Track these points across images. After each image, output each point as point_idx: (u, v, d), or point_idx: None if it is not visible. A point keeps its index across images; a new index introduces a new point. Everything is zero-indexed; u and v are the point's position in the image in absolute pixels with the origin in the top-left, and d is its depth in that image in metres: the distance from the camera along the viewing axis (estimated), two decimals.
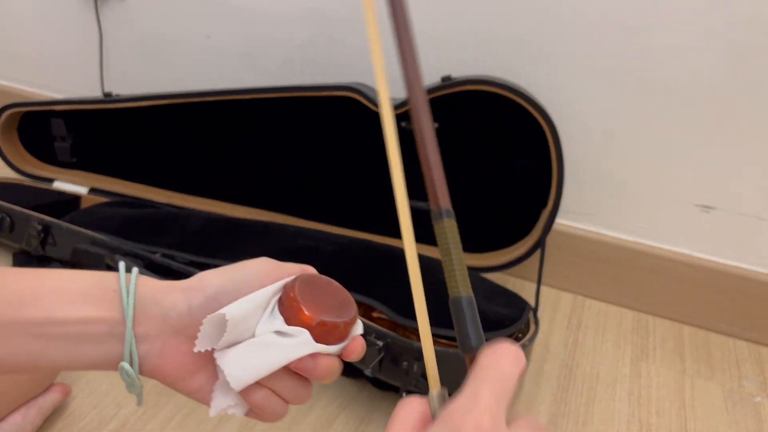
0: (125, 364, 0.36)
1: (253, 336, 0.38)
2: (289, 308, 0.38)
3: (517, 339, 0.73)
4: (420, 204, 1.02)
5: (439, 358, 0.34)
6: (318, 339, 0.38)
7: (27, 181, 1.01)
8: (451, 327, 0.32)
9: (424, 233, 1.01)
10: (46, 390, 0.67)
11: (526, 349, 0.70)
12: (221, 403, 0.39)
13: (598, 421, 0.75)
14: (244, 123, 0.93)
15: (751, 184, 0.84)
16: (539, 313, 0.91)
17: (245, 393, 0.38)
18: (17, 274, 0.36)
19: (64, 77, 1.20)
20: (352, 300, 0.41)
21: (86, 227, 0.83)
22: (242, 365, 0.37)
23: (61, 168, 1.02)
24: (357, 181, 0.92)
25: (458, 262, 0.33)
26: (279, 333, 0.37)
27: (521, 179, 0.84)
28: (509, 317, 0.73)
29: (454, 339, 0.72)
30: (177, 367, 0.38)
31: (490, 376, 0.29)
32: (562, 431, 0.74)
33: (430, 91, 0.80)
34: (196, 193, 0.99)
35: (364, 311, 0.74)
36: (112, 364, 0.37)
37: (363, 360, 0.69)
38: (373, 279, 0.78)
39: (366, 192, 0.93)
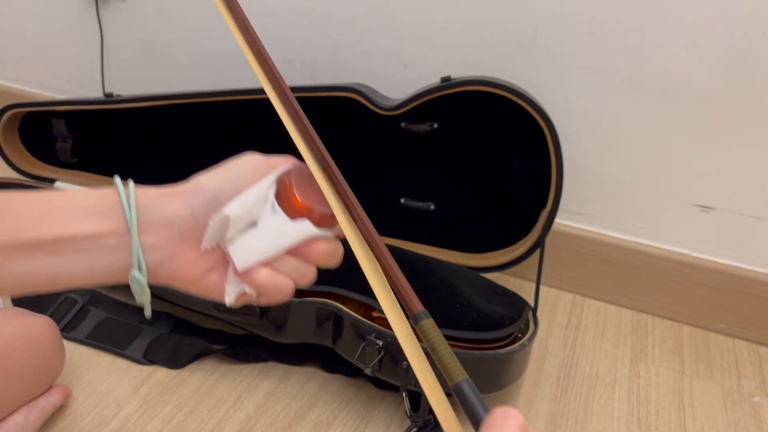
0: (135, 272, 0.38)
1: (256, 226, 0.40)
2: (289, 203, 0.41)
3: (517, 339, 0.74)
4: (420, 204, 1.02)
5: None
6: (317, 225, 0.41)
7: (28, 182, 1.01)
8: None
9: (424, 233, 1.01)
10: (47, 392, 0.67)
11: (526, 348, 0.71)
12: (234, 288, 0.41)
13: (597, 421, 0.76)
14: (244, 123, 0.93)
15: (750, 184, 0.84)
16: (539, 313, 0.91)
17: (250, 274, 0.40)
18: (23, 196, 0.37)
19: (65, 78, 1.21)
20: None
21: None
22: (248, 248, 0.40)
23: (62, 168, 1.02)
24: (356, 181, 0.92)
25: (447, 353, 0.35)
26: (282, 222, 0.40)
27: (521, 179, 0.85)
28: (509, 317, 0.73)
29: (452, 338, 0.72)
30: (191, 270, 0.40)
31: None
32: (561, 431, 0.74)
33: (430, 91, 0.80)
34: None
35: (364, 311, 0.74)
36: (126, 274, 0.38)
37: (363, 359, 0.69)
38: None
39: (365, 192, 0.93)
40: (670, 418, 0.77)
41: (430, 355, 0.36)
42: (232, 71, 1.04)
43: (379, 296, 0.39)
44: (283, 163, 0.43)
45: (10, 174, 1.02)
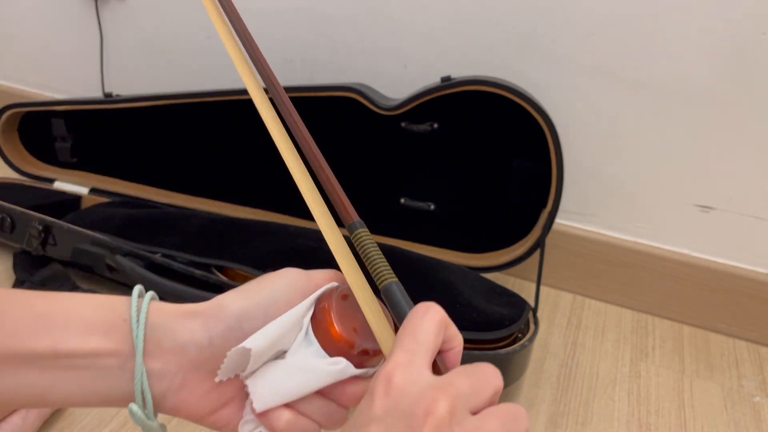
0: (134, 406, 0.32)
1: (284, 357, 0.34)
2: (326, 333, 0.34)
3: (517, 339, 0.74)
4: (420, 204, 1.02)
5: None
6: (358, 365, 0.34)
7: (27, 182, 1.01)
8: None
9: (424, 233, 1.01)
10: None
11: (526, 348, 0.71)
12: (250, 428, 0.35)
13: (597, 421, 0.75)
14: (244, 123, 0.93)
15: (751, 184, 0.84)
16: (539, 313, 0.91)
17: (269, 416, 0.34)
18: (25, 299, 0.32)
19: (65, 77, 1.20)
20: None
21: (87, 227, 0.83)
22: (270, 386, 0.33)
23: (61, 168, 1.02)
24: (357, 181, 0.92)
25: (379, 258, 0.35)
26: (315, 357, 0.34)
27: (521, 179, 0.85)
28: (509, 317, 0.73)
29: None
30: (199, 405, 0.34)
31: (400, 335, 0.31)
32: (561, 431, 0.74)
33: (430, 91, 0.80)
34: (196, 193, 0.99)
35: None
36: (125, 402, 0.33)
37: None
38: None
39: (366, 192, 0.93)
40: (671, 418, 0.77)
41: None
42: (232, 71, 1.04)
43: (314, 211, 0.38)
44: (326, 281, 0.37)
45: (9, 174, 1.02)
